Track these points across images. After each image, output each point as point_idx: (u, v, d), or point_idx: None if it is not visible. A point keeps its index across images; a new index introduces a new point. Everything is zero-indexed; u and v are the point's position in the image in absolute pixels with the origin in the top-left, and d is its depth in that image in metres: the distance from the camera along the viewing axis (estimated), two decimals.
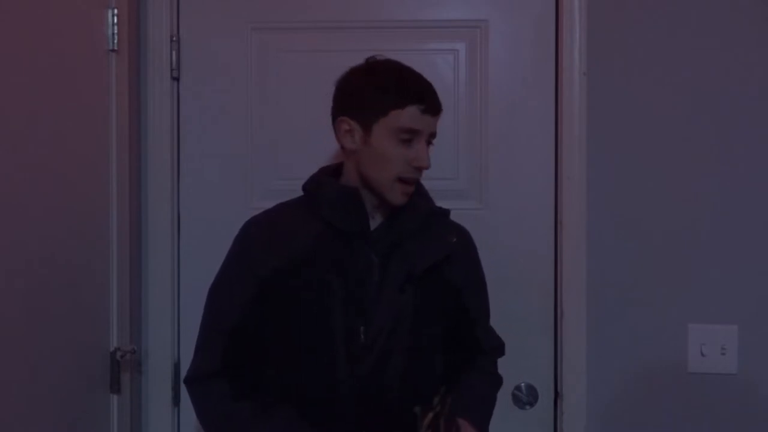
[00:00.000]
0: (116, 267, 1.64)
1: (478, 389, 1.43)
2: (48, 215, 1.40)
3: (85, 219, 1.55)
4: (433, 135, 1.31)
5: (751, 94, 1.68)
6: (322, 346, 1.29)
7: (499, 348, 1.49)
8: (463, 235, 1.43)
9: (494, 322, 1.74)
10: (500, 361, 1.73)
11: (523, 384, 1.74)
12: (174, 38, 1.77)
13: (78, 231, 1.51)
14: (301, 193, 1.38)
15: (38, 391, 1.36)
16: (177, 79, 1.78)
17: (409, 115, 1.25)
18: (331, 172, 1.38)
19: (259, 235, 1.34)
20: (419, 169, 1.29)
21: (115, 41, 1.62)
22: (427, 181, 1.71)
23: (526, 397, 1.73)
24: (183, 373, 1.76)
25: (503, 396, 1.74)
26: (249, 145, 1.78)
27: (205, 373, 1.32)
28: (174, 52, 1.77)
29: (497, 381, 1.49)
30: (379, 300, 1.30)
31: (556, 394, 1.74)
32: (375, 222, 1.34)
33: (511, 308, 1.74)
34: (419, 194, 1.37)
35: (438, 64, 1.74)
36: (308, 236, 1.30)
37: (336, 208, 1.30)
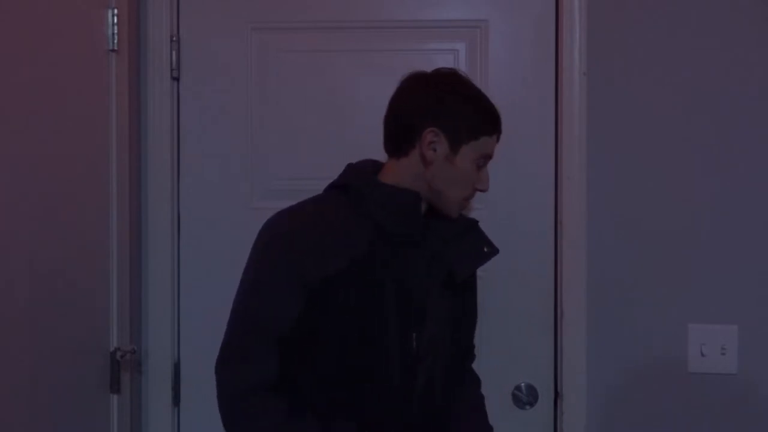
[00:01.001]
0: (116, 267, 1.64)
1: (480, 401, 1.48)
2: (48, 215, 1.40)
3: (85, 219, 1.55)
4: None
5: (751, 94, 1.68)
6: (378, 355, 1.25)
7: (473, 350, 1.51)
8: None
9: (494, 321, 1.75)
10: (500, 361, 1.74)
11: (523, 384, 1.74)
12: (174, 38, 1.77)
13: (78, 231, 1.51)
14: (307, 192, 1.34)
15: (38, 391, 1.36)
16: (177, 79, 1.78)
17: (492, 144, 1.30)
18: (370, 171, 1.32)
19: (309, 238, 1.24)
20: (478, 192, 1.33)
21: (115, 41, 1.62)
22: None
23: (526, 397, 1.73)
24: (183, 373, 1.78)
25: (503, 396, 1.74)
26: (249, 145, 1.78)
27: (260, 385, 1.23)
28: (174, 52, 1.77)
29: (479, 382, 1.51)
30: (427, 305, 1.30)
31: (556, 394, 1.74)
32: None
33: (511, 308, 1.74)
34: None
35: (438, 64, 1.73)
36: (362, 239, 1.24)
37: (393, 212, 1.26)
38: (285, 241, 1.24)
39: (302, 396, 1.24)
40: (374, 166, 1.34)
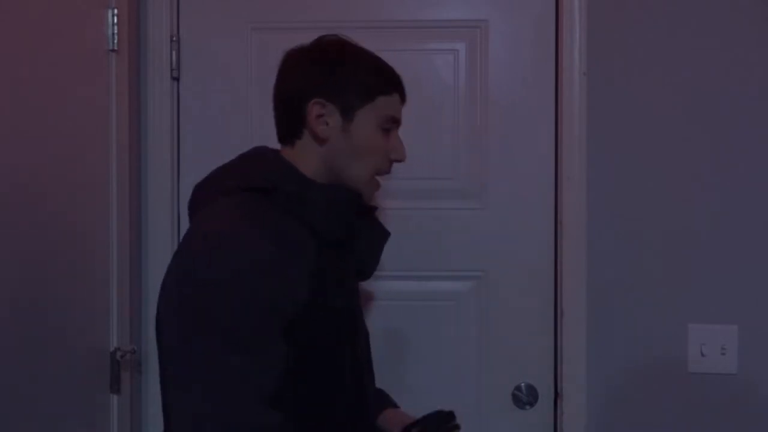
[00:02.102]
0: (116, 267, 1.64)
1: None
2: (48, 215, 1.40)
3: (85, 219, 1.55)
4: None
5: (751, 94, 1.68)
6: (335, 372, 1.11)
7: None
8: None
9: (494, 321, 1.75)
10: (500, 361, 1.74)
11: (523, 384, 1.74)
12: (174, 38, 1.77)
13: (78, 231, 1.51)
14: None
15: (38, 391, 1.36)
16: (177, 79, 1.78)
17: (395, 104, 1.15)
18: (290, 167, 1.13)
19: (272, 262, 1.01)
20: (394, 163, 1.16)
21: (115, 41, 1.62)
22: (428, 181, 1.72)
23: (526, 397, 1.73)
24: None
25: (503, 396, 1.74)
26: (249, 145, 1.76)
27: None
28: (174, 52, 1.77)
29: None
30: (355, 307, 1.21)
31: (556, 394, 1.74)
32: None
33: (511, 308, 1.74)
34: None
35: (438, 64, 1.74)
36: (310, 251, 1.07)
37: (335, 214, 1.10)
38: (252, 273, 0.99)
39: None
40: (279, 158, 1.15)
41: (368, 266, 1.23)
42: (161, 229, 1.76)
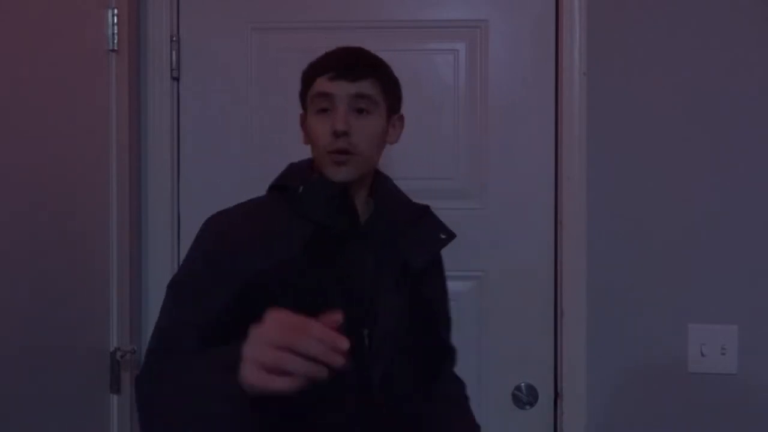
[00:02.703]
0: (116, 267, 1.64)
1: (464, 400, 1.43)
2: (48, 215, 1.40)
3: (85, 219, 1.55)
4: (361, 98, 1.22)
5: (751, 94, 1.68)
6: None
7: (455, 353, 1.46)
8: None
9: (494, 321, 1.75)
10: (500, 361, 1.74)
11: (523, 384, 1.74)
12: (174, 38, 1.77)
13: (78, 231, 1.51)
14: None
15: (38, 391, 1.36)
16: (177, 79, 1.78)
17: (318, 84, 1.23)
18: (303, 168, 1.29)
19: (238, 233, 1.20)
20: (337, 135, 1.20)
21: (115, 41, 1.62)
22: (428, 181, 1.72)
23: (526, 397, 1.73)
24: None
25: (503, 396, 1.74)
26: (249, 145, 1.78)
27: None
28: (174, 52, 1.77)
29: (464, 385, 1.46)
30: (379, 301, 1.24)
31: (556, 394, 1.74)
32: (363, 217, 1.27)
33: (511, 308, 1.74)
34: (396, 191, 1.34)
35: (438, 64, 1.74)
36: (295, 237, 1.19)
37: (322, 206, 1.21)
38: (212, 239, 1.21)
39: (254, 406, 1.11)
40: (300, 165, 1.31)
41: (411, 264, 1.27)
42: (161, 229, 1.76)
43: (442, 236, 1.31)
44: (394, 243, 1.26)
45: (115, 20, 1.62)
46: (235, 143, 1.78)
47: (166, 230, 1.77)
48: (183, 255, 1.76)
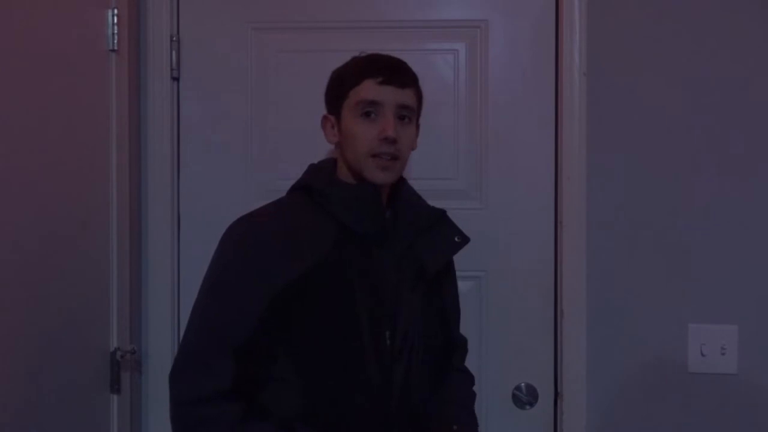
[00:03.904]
0: (116, 267, 1.64)
1: (469, 399, 1.45)
2: (48, 215, 1.40)
3: (85, 219, 1.55)
4: (405, 108, 1.27)
5: (752, 94, 1.68)
6: (351, 356, 1.22)
7: (465, 345, 1.51)
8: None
9: (494, 321, 1.75)
10: (500, 361, 1.74)
11: (523, 384, 1.74)
12: (174, 38, 1.77)
13: (78, 231, 1.51)
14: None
15: (38, 391, 1.36)
16: (177, 79, 1.78)
17: (365, 89, 1.25)
18: (329, 170, 1.33)
19: (271, 240, 1.22)
20: (387, 142, 1.23)
21: (115, 41, 1.62)
22: (428, 181, 1.72)
23: (526, 397, 1.73)
24: None
25: (503, 396, 1.74)
26: (249, 145, 1.78)
27: (212, 393, 1.18)
28: (174, 52, 1.77)
29: (472, 380, 1.49)
30: (399, 302, 1.27)
31: (556, 394, 1.74)
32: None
33: (511, 308, 1.74)
34: (412, 194, 1.38)
35: (438, 64, 1.74)
36: (326, 240, 1.23)
37: (353, 208, 1.25)
38: (246, 245, 1.22)
39: (261, 403, 1.21)
40: (335, 164, 1.34)
41: (428, 266, 1.31)
42: (161, 228, 1.76)
43: (457, 240, 1.35)
44: (412, 245, 1.30)
45: (115, 20, 1.62)
46: (235, 143, 1.78)
47: (166, 230, 1.77)
48: (183, 255, 1.78)
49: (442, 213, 1.36)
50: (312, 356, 1.21)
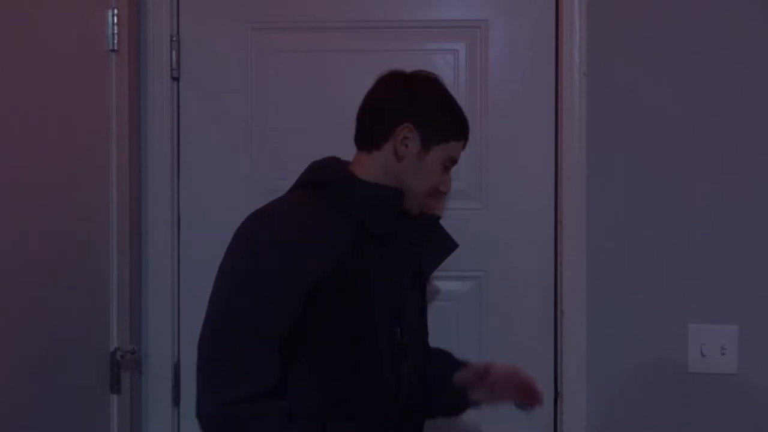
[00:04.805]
0: (116, 267, 1.64)
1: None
2: (48, 215, 1.40)
3: (85, 219, 1.55)
4: None
5: (751, 94, 1.68)
6: (368, 353, 1.25)
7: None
8: None
9: (494, 321, 1.75)
10: (500, 360, 1.74)
11: None
12: (174, 38, 1.77)
13: (78, 231, 1.51)
14: None
15: (38, 391, 1.36)
16: (177, 79, 1.78)
17: (458, 149, 1.33)
18: (343, 168, 1.33)
19: (301, 238, 1.21)
20: (443, 194, 1.37)
21: (115, 41, 1.62)
22: None
23: None
24: (183, 374, 1.78)
25: None
26: (249, 144, 1.78)
27: (257, 391, 1.16)
28: (174, 52, 1.77)
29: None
30: (404, 300, 1.32)
31: (556, 394, 1.74)
32: None
33: (511, 308, 1.74)
34: None
35: (438, 64, 1.74)
36: (346, 238, 1.24)
37: (375, 209, 1.26)
38: (277, 242, 1.21)
39: (294, 398, 1.21)
40: (340, 162, 1.34)
41: (426, 269, 1.39)
42: (161, 229, 1.76)
43: (448, 244, 1.40)
44: (411, 247, 1.34)
45: (115, 20, 1.62)
46: (235, 143, 1.78)
47: (166, 230, 1.77)
48: (183, 255, 1.78)
49: (436, 219, 1.40)
50: (329, 353, 1.23)
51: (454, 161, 1.33)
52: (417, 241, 1.35)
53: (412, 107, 1.28)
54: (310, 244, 1.21)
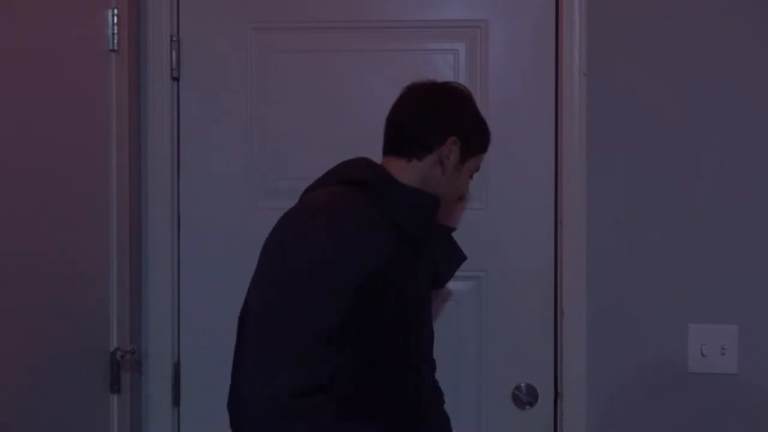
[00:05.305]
0: (116, 267, 1.64)
1: None
2: (48, 215, 1.40)
3: (85, 219, 1.55)
4: None
5: (751, 94, 1.68)
6: (401, 353, 1.26)
7: None
8: None
9: (494, 321, 1.75)
10: (500, 361, 1.75)
11: (523, 384, 1.74)
12: (174, 38, 1.77)
13: (78, 231, 1.51)
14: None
15: (38, 391, 1.36)
16: (177, 79, 1.78)
17: (482, 159, 1.42)
18: (381, 169, 1.33)
19: (355, 232, 1.19)
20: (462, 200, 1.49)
21: (115, 41, 1.62)
22: None
23: (526, 397, 1.73)
24: (183, 373, 1.78)
25: (503, 396, 1.74)
26: (249, 144, 1.78)
27: (311, 387, 1.13)
28: (174, 52, 1.77)
29: None
30: (427, 304, 1.37)
31: (556, 394, 1.74)
32: None
33: (511, 308, 1.74)
34: None
35: (438, 64, 1.74)
36: (389, 238, 1.23)
37: (414, 214, 1.28)
38: (334, 235, 1.18)
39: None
40: (375, 163, 1.34)
41: (442, 278, 1.45)
42: (161, 228, 1.76)
43: (460, 256, 1.45)
44: (427, 254, 1.36)
45: (115, 20, 1.62)
46: (235, 143, 1.78)
47: (166, 230, 1.77)
48: (183, 255, 1.78)
49: (452, 230, 1.43)
50: (366, 349, 1.21)
51: (477, 171, 1.42)
52: (436, 248, 1.39)
53: (460, 121, 1.34)
54: (364, 240, 1.20)
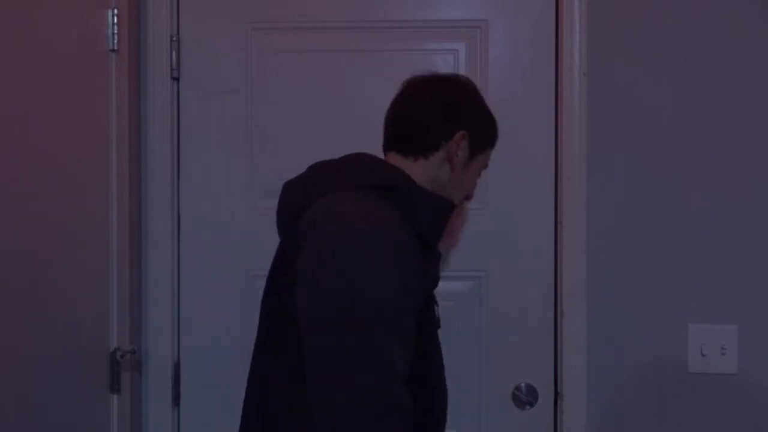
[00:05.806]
0: (116, 267, 1.64)
1: None
2: (48, 215, 1.40)
3: (85, 219, 1.55)
4: None
5: (751, 94, 1.68)
6: (427, 357, 1.22)
7: None
8: None
9: (494, 322, 1.75)
10: (500, 361, 1.74)
11: (523, 384, 1.74)
12: (174, 38, 1.77)
13: (78, 231, 1.51)
14: None
15: (38, 391, 1.36)
16: (177, 79, 1.78)
17: (490, 154, 1.35)
18: (402, 171, 1.23)
19: (412, 244, 1.11)
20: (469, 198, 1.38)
21: (115, 41, 1.62)
22: None
23: (526, 397, 1.73)
24: (183, 373, 1.78)
25: (503, 396, 1.74)
26: (249, 144, 1.78)
27: (401, 379, 1.06)
28: (174, 52, 1.77)
29: None
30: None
31: (556, 394, 1.74)
32: None
33: (511, 308, 1.74)
34: None
35: (438, 64, 1.74)
36: (417, 248, 1.14)
37: (436, 220, 1.21)
38: (402, 245, 1.08)
39: None
40: (393, 165, 1.24)
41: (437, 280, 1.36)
42: (161, 228, 1.76)
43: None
44: (434, 256, 1.32)
45: (115, 20, 1.62)
46: (235, 143, 1.78)
47: (166, 230, 1.77)
48: (183, 255, 1.78)
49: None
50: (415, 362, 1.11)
51: (486, 167, 1.35)
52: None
53: (467, 114, 1.26)
54: (414, 246, 1.11)
